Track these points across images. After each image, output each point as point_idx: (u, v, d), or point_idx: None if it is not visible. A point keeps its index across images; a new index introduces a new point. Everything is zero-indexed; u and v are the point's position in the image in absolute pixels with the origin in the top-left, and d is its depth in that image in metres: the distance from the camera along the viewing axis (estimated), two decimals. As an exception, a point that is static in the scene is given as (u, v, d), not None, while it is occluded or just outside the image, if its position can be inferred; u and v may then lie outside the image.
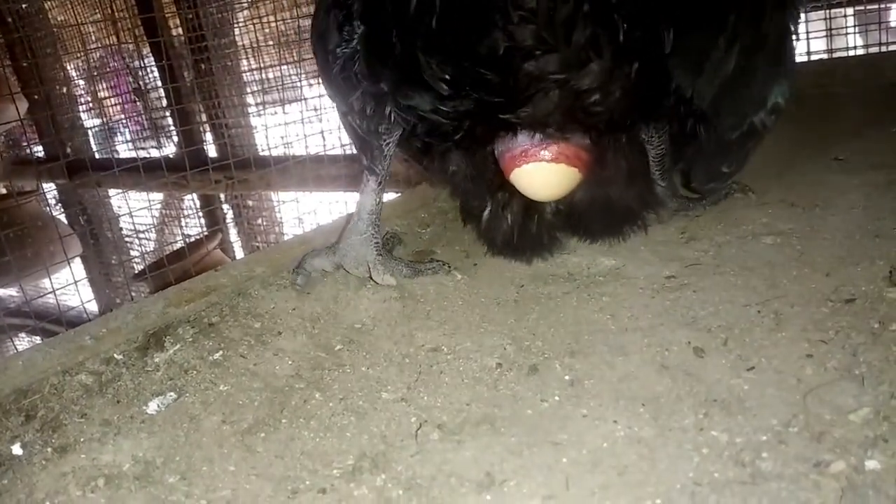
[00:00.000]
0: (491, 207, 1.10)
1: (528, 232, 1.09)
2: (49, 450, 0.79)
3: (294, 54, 3.13)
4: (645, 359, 0.77)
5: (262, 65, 3.27)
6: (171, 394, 0.88)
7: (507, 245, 1.10)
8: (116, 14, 3.61)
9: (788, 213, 1.10)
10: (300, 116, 2.95)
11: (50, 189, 4.12)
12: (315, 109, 2.96)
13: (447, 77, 0.85)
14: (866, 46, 2.25)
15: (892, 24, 2.64)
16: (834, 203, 1.10)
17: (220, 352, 0.96)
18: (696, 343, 0.78)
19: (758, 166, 1.38)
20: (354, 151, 2.95)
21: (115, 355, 0.98)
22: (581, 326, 0.87)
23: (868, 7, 2.35)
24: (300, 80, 3.16)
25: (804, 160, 1.37)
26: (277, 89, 3.14)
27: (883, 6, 2.33)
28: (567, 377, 0.76)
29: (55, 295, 2.79)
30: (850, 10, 2.29)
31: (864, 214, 1.04)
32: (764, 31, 0.95)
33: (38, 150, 4.29)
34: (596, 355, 0.79)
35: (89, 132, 4.16)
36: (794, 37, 1.06)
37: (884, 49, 2.17)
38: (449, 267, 1.11)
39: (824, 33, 2.25)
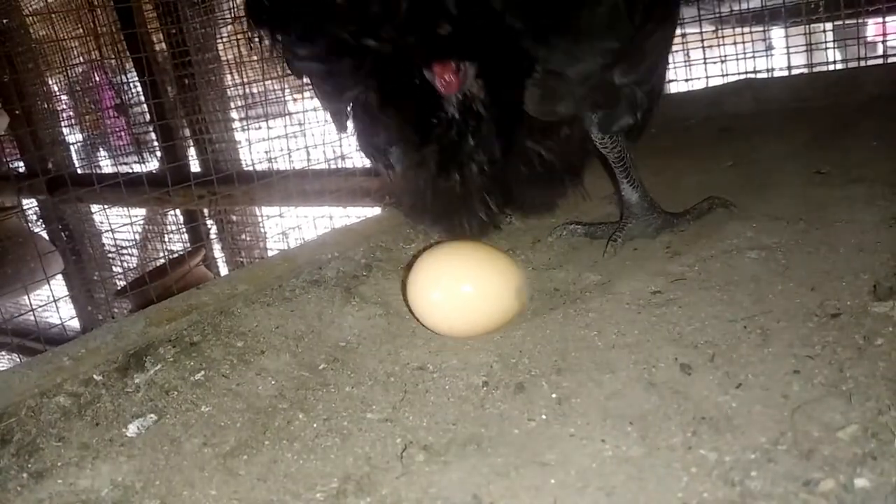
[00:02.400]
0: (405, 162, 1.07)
1: (451, 193, 1.05)
2: (25, 475, 0.77)
3: (278, 69, 3.13)
4: (632, 376, 0.76)
5: (245, 80, 3.26)
6: (152, 415, 0.86)
7: (417, 208, 1.09)
8: (99, 29, 3.59)
9: (772, 227, 1.11)
10: (284, 131, 2.94)
11: (31, 205, 4.07)
12: (300, 124, 2.96)
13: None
14: (845, 61, 2.28)
15: (870, 39, 2.68)
16: (817, 217, 1.11)
17: (202, 372, 0.94)
18: (683, 359, 0.77)
19: (740, 180, 1.40)
20: (339, 166, 2.95)
21: (95, 376, 0.96)
22: (568, 343, 0.86)
23: (846, 22, 2.39)
24: (284, 95, 3.15)
25: (787, 174, 1.38)
26: (261, 104, 3.13)
27: (861, 21, 2.36)
28: (554, 395, 0.75)
29: (34, 313, 2.75)
30: (829, 26, 2.32)
31: (847, 228, 1.05)
32: None
33: (19, 166, 4.24)
34: (583, 372, 0.79)
35: (71, 147, 4.13)
36: None
37: (862, 63, 2.20)
38: (511, 217, 1.17)
39: (804, 48, 2.28)
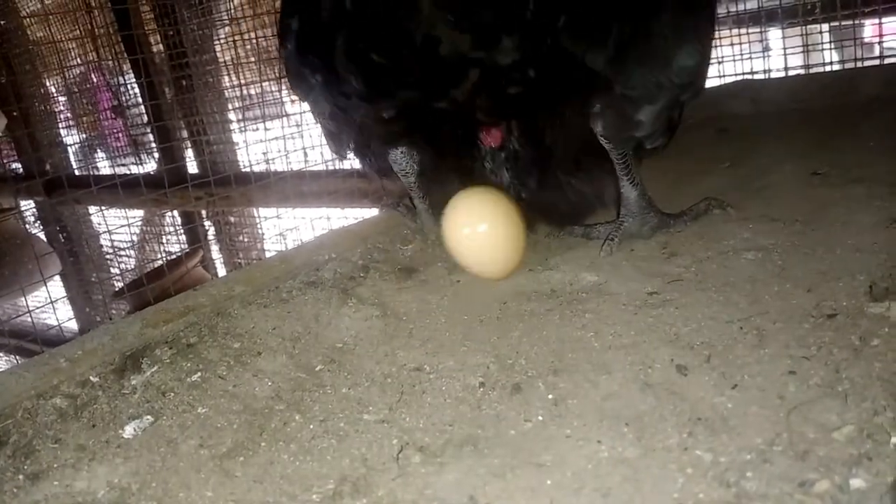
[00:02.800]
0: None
1: None
2: (21, 477, 0.77)
3: (275, 70, 3.13)
4: (628, 377, 0.76)
5: (243, 81, 3.26)
6: (148, 417, 0.86)
7: None
8: (96, 31, 3.59)
9: (769, 228, 1.11)
10: (282, 133, 2.94)
11: (28, 206, 4.07)
12: (297, 125, 2.96)
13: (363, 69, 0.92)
14: (842, 62, 2.29)
15: (867, 40, 2.68)
16: (814, 218, 1.11)
17: (199, 373, 0.94)
18: (679, 360, 0.77)
19: (737, 181, 1.40)
20: (337, 167, 2.96)
21: (91, 378, 0.96)
22: (564, 344, 0.86)
23: (843, 23, 2.39)
24: (282, 97, 3.15)
25: (784, 175, 1.38)
26: (259, 105, 3.13)
27: (857, 22, 2.37)
28: (550, 396, 0.75)
29: (31, 315, 2.75)
30: (825, 27, 2.32)
31: (844, 229, 1.05)
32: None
33: (17, 167, 4.24)
34: (579, 373, 0.79)
35: (69, 149, 4.12)
36: (702, 6, 1.10)
37: (859, 64, 2.20)
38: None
39: (801, 49, 2.28)
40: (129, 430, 0.84)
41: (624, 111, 1.05)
